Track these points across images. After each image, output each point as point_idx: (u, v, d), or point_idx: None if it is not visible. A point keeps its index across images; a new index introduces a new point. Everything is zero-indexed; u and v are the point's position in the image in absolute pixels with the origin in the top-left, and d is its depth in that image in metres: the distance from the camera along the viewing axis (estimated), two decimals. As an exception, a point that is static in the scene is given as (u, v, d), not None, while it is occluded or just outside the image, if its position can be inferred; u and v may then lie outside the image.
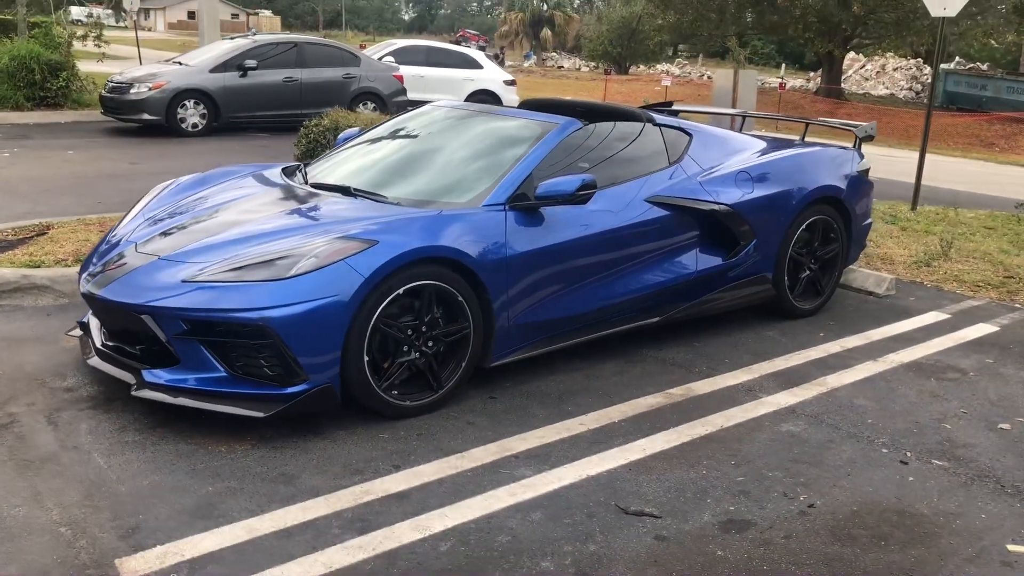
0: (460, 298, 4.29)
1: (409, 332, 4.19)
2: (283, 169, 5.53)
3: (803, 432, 4.33)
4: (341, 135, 6.01)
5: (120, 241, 4.61)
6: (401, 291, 4.09)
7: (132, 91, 13.74)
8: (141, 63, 17.85)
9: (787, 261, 5.82)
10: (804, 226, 5.87)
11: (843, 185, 6.09)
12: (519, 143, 4.95)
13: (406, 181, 4.94)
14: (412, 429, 4.15)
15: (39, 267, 5.87)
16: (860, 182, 6.30)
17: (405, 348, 4.20)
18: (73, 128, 14.48)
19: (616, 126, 5.39)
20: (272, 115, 14.76)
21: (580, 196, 4.54)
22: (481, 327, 4.40)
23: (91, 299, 4.24)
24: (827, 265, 6.17)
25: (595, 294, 4.90)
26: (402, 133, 5.60)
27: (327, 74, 15.38)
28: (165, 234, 4.52)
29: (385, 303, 4.05)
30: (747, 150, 5.95)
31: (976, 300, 6.73)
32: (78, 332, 4.78)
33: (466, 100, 18.04)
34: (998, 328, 6.09)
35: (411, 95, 16.18)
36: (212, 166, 5.96)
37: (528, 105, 5.92)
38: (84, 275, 4.42)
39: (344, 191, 4.86)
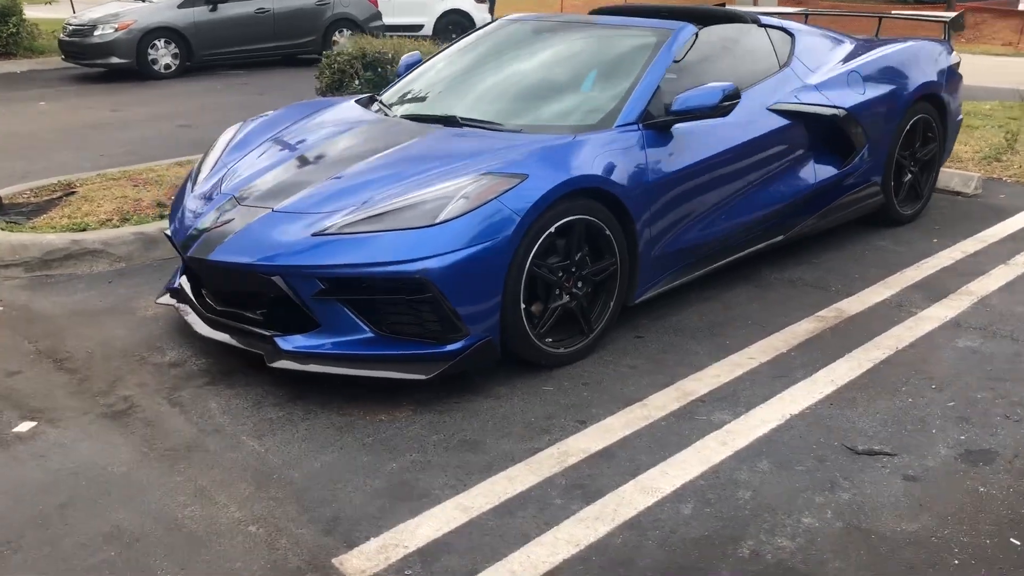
0: (608, 232, 3.87)
1: (560, 274, 3.78)
2: (357, 102, 5.00)
3: (984, 347, 4.04)
4: (403, 61, 5.45)
5: (213, 196, 4.08)
6: (553, 229, 3.67)
7: (96, 33, 12.77)
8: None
9: (893, 164, 5.48)
10: (909, 126, 5.52)
11: (943, 80, 5.74)
12: (635, 54, 4.49)
13: (515, 106, 4.46)
14: (574, 379, 3.77)
15: (85, 230, 5.29)
16: (954, 76, 5.95)
17: (557, 292, 3.79)
18: (33, 77, 13.47)
19: (724, 29, 4.94)
20: (247, 50, 13.92)
21: (723, 108, 4.11)
22: (627, 262, 4.00)
23: (200, 263, 3.73)
24: (926, 166, 5.85)
25: (727, 216, 4.52)
26: (484, 53, 5.08)
27: (299, 2, 14.48)
28: (265, 183, 4.00)
29: (539, 243, 3.63)
30: (844, 48, 5.54)
31: (1067, 193, 6.50)
32: (167, 299, 4.27)
33: (437, 21, 17.28)
34: None
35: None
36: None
37: (602, 12, 5.43)
38: (181, 237, 3.90)
39: (448, 121, 4.37)
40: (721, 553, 2.69)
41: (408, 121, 4.48)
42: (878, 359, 3.92)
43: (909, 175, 5.70)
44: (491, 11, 18.34)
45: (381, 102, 4.89)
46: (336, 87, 7.58)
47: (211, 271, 3.75)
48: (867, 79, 5.26)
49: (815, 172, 5.01)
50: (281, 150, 4.34)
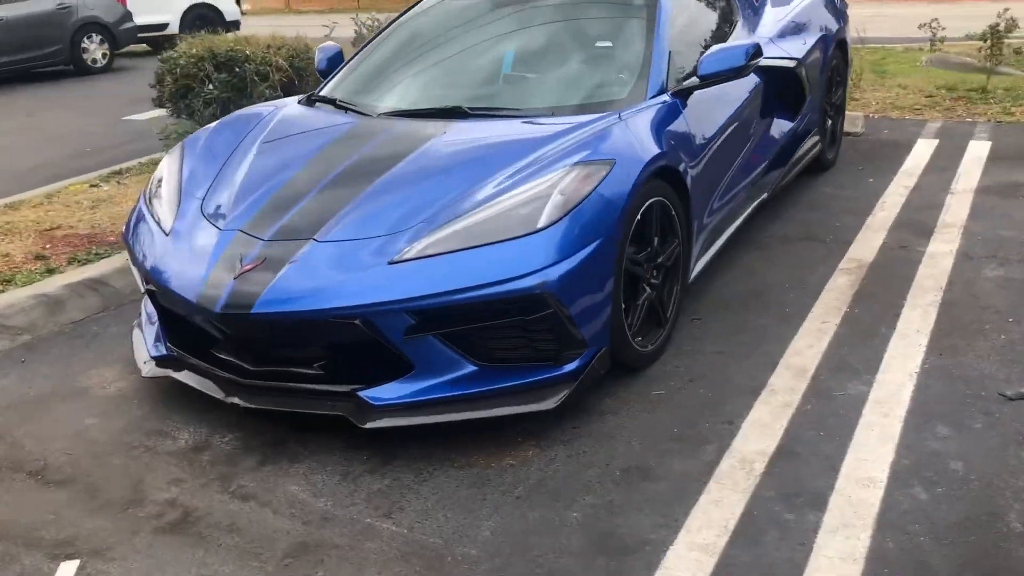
0: (674, 211, 3.55)
1: (644, 264, 3.42)
2: (302, 103, 4.29)
3: (1012, 273, 4.16)
4: (322, 54, 4.74)
5: (204, 235, 3.30)
6: (639, 216, 3.30)
7: None
8: None
9: (821, 110, 5.57)
10: (830, 72, 5.62)
11: (844, 24, 5.90)
12: (627, 19, 4.16)
13: (521, 88, 3.99)
14: (675, 376, 3.43)
15: (-38, 301, 4.19)
16: (846, 21, 6.14)
17: (641, 284, 3.43)
18: None
19: (688, -13, 4.73)
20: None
21: (748, 68, 3.90)
22: (685, 240, 3.71)
23: (238, 320, 2.98)
24: (838, 110, 6.00)
25: (737, 180, 4.33)
26: (443, 33, 4.52)
27: (36, 6, 12.64)
28: (277, 212, 3.29)
29: (631, 233, 3.25)
30: (767, -2, 5.51)
31: (933, 121, 6.96)
32: (156, 370, 3.42)
33: (183, 17, 15.75)
34: (991, 142, 6.31)
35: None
36: None
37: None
38: (189, 294, 3.10)
39: (452, 113, 3.82)
40: (996, 533, 2.50)
41: (404, 120, 3.87)
42: (936, 301, 3.91)
43: (829, 120, 5.82)
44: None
45: (342, 102, 4.20)
46: (182, 95, 6.58)
47: (254, 327, 3.02)
48: (801, 28, 5.28)
49: (780, 126, 4.95)
50: (267, 171, 3.60)
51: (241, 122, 4.07)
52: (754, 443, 2.98)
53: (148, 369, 3.43)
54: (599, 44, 4.13)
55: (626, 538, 2.57)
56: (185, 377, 3.32)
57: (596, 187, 3.09)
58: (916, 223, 4.85)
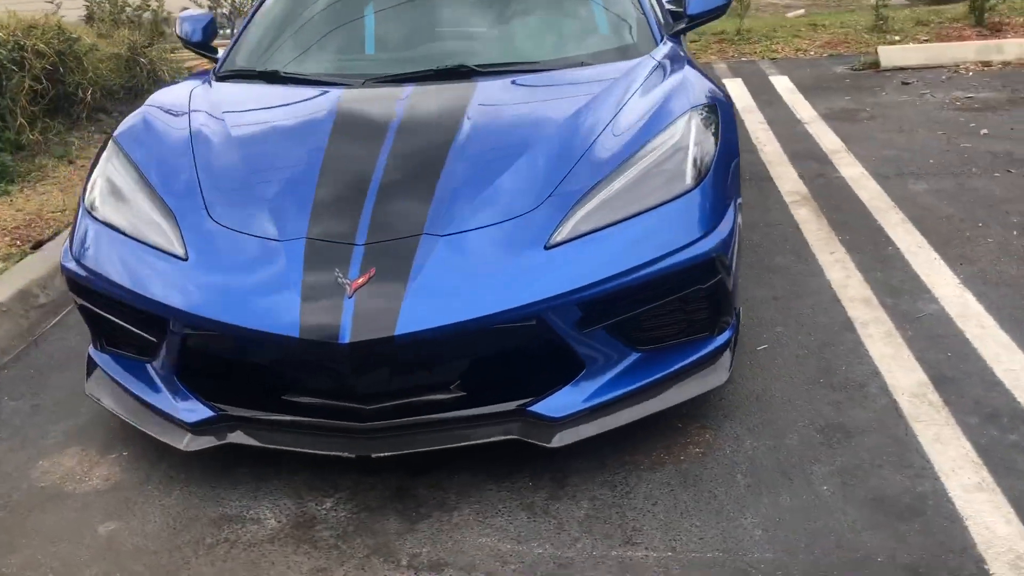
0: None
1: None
2: (226, 79, 3.46)
3: (936, 186, 4.52)
4: (191, 24, 3.84)
5: (264, 250, 2.51)
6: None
7: None
8: None
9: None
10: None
11: None
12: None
13: (517, 41, 3.52)
14: (755, 329, 3.28)
15: None
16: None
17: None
18: None
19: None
20: None
21: (727, 7, 3.78)
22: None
23: (377, 347, 2.28)
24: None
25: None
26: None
27: None
28: (343, 207, 2.59)
29: None
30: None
31: (718, 62, 7.37)
32: (207, 440, 2.55)
33: None
34: (786, 75, 6.82)
35: None
36: None
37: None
38: (293, 328, 2.31)
39: (453, 73, 3.26)
40: None
41: (407, 86, 3.20)
42: (904, 219, 4.13)
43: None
44: None
45: (291, 74, 3.42)
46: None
47: (393, 353, 2.34)
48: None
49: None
50: (276, 163, 2.84)
51: (169, 110, 3.17)
52: (904, 377, 2.91)
53: (189, 443, 2.55)
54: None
55: (904, 497, 2.37)
56: (246, 439, 2.53)
57: (717, 133, 2.81)
58: (805, 153, 5.10)
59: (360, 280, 2.36)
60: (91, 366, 2.90)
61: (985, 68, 6.79)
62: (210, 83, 3.42)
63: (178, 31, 3.91)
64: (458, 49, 3.46)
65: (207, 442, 2.53)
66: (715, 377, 2.66)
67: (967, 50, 6.96)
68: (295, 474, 2.62)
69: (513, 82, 3.19)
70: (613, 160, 2.66)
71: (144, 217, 2.69)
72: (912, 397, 2.80)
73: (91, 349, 2.90)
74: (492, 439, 2.45)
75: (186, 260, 2.54)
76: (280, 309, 2.35)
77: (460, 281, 2.38)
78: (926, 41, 7.49)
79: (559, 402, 2.47)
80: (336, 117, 3.01)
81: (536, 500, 2.46)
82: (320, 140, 2.89)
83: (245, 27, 3.74)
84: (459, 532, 2.37)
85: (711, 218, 2.61)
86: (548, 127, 2.88)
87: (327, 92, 3.22)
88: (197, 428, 2.55)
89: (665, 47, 3.44)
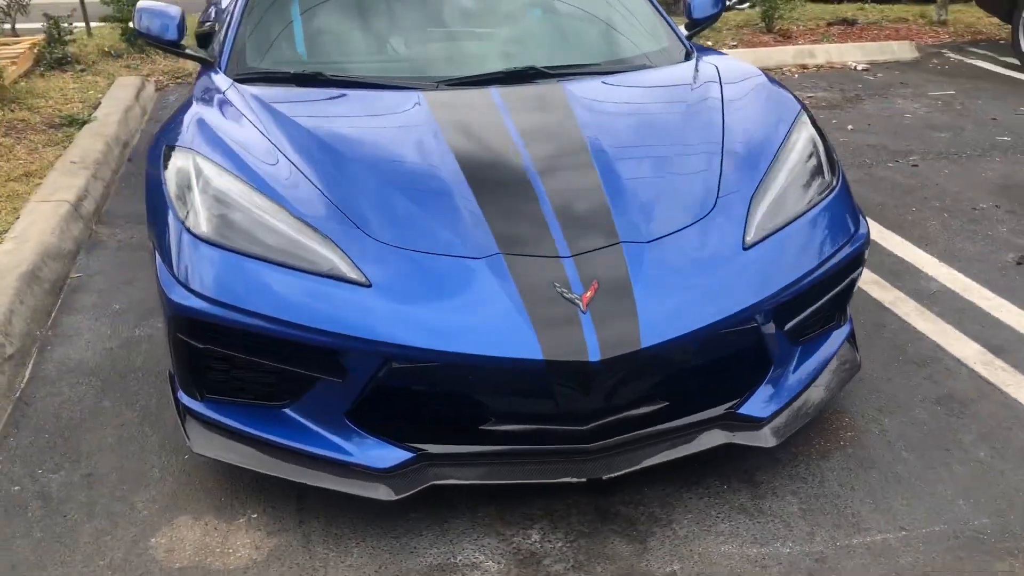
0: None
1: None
2: (250, 81, 3.07)
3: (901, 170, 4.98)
4: (165, 23, 3.34)
5: (460, 269, 2.27)
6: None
7: None
8: None
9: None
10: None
11: None
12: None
13: (567, 44, 3.44)
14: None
15: None
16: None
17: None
18: None
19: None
20: None
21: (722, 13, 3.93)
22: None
23: (626, 361, 2.17)
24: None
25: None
26: None
27: None
28: (522, 219, 2.42)
29: None
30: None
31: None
32: (396, 489, 2.26)
33: None
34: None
35: None
36: None
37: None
38: (531, 350, 2.12)
39: (520, 76, 3.12)
40: None
41: (492, 88, 3.02)
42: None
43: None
44: None
45: (339, 76, 3.11)
46: None
47: (639, 365, 2.23)
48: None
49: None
50: (416, 177, 2.61)
51: (228, 119, 2.78)
52: (964, 348, 3.22)
53: (392, 492, 2.26)
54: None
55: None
56: (452, 478, 2.30)
57: (811, 125, 2.96)
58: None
59: (588, 294, 2.23)
60: (187, 420, 2.48)
61: (804, 71, 7.56)
62: (235, 88, 3.02)
63: (140, 26, 3.39)
64: (496, 50, 3.33)
65: (410, 486, 2.26)
66: (853, 365, 2.79)
67: (786, 55, 7.71)
68: (475, 510, 2.42)
69: (603, 83, 3.13)
70: (758, 160, 2.71)
71: (288, 240, 2.34)
72: (984, 365, 3.11)
73: (187, 401, 2.48)
74: (711, 445, 2.41)
75: (369, 286, 2.25)
76: (510, 332, 2.16)
77: (682, 288, 2.32)
78: (735, 47, 8.19)
79: (760, 401, 2.49)
80: (438, 123, 2.78)
81: (743, 501, 2.46)
82: (440, 148, 2.67)
83: (239, 23, 3.33)
84: (695, 544, 2.32)
85: (855, 209, 2.76)
86: (669, 128, 2.88)
87: (407, 95, 2.96)
88: (393, 473, 2.27)
89: (701, 50, 3.53)
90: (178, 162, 2.58)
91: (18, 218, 4.00)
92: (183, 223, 2.41)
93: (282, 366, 2.29)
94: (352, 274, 2.26)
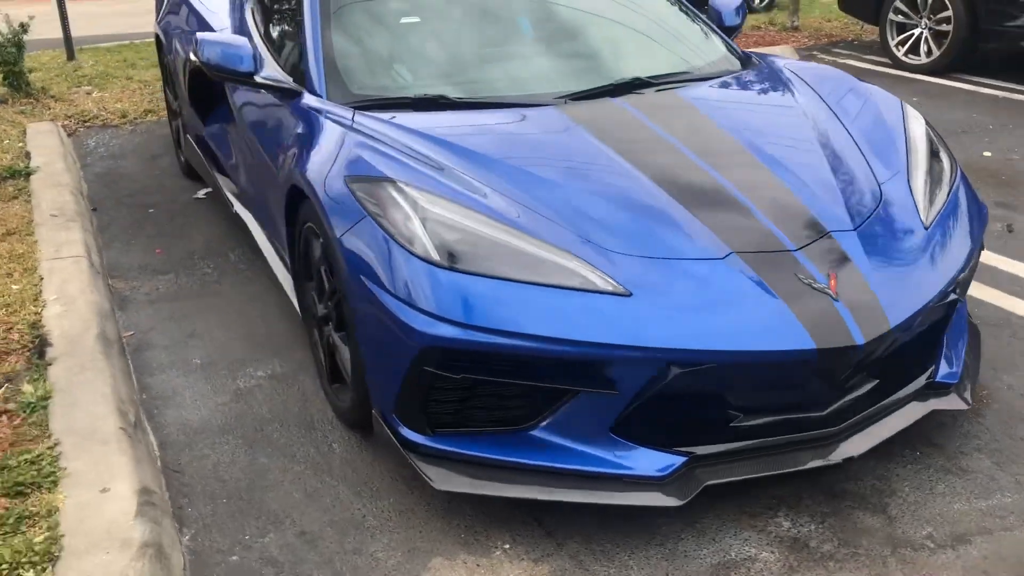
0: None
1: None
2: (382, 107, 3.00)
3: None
4: (238, 53, 3.15)
5: (698, 271, 2.35)
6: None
7: None
8: None
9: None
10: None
11: None
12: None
13: (651, 54, 3.55)
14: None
15: None
16: None
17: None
18: None
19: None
20: None
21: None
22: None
23: (881, 340, 2.31)
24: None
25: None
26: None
27: None
28: (734, 214, 2.55)
29: None
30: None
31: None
32: (676, 494, 2.30)
33: None
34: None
35: None
36: None
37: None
38: (800, 341, 2.23)
39: (632, 86, 3.22)
40: None
41: (615, 99, 3.13)
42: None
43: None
44: None
45: (465, 99, 3.12)
46: None
47: (890, 344, 2.38)
48: None
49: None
50: (606, 187, 2.67)
51: (395, 147, 2.71)
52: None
53: (671, 499, 2.28)
54: (630, 7, 3.81)
55: None
56: (720, 477, 2.36)
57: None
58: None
59: (832, 283, 2.36)
60: (421, 458, 2.40)
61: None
62: (366, 116, 2.93)
63: (207, 59, 3.21)
64: (595, 64, 3.39)
65: (689, 490, 2.30)
66: (975, 329, 3.06)
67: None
68: (712, 508, 2.47)
69: (711, 88, 3.26)
70: (891, 150, 2.95)
71: (530, 258, 2.32)
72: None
73: (417, 438, 2.40)
74: (922, 414, 2.60)
75: (630, 295, 2.27)
76: (780, 326, 2.26)
77: (900, 268, 2.51)
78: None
79: (947, 368, 2.70)
80: (598, 137, 2.83)
81: (943, 463, 2.66)
82: (617, 160, 2.73)
83: (317, 44, 3.22)
84: (929, 507, 2.49)
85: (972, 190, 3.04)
86: (796, 126, 3.06)
87: (547, 112, 2.99)
88: (667, 480, 2.30)
89: (756, 55, 3.74)
90: (379, 192, 2.48)
91: (42, 278, 3.63)
92: (412, 253, 2.32)
93: (545, 384, 2.27)
94: (607, 285, 2.28)
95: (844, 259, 2.45)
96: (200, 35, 3.27)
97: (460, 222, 2.39)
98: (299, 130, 3.02)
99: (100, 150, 5.92)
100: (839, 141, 2.96)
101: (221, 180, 4.30)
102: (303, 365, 3.27)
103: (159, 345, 3.46)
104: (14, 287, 3.56)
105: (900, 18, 7.80)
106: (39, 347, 3.12)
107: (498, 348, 2.22)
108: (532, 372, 2.26)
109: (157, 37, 5.30)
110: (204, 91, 4.37)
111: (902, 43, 7.85)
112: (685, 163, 2.74)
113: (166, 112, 5.73)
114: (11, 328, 3.25)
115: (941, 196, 2.81)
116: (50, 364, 3.01)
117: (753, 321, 2.27)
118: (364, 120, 2.88)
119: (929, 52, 7.59)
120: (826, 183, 2.73)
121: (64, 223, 4.26)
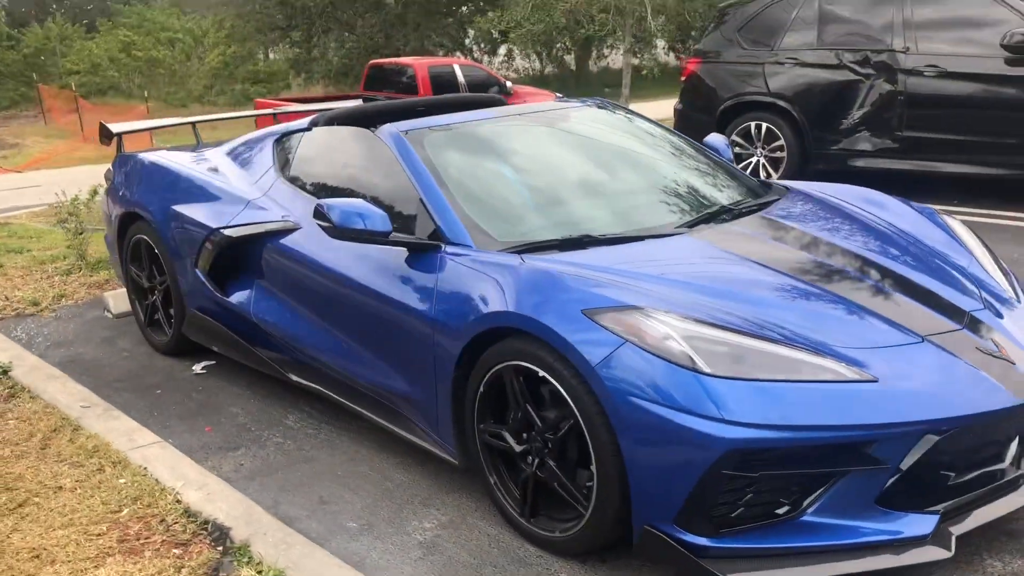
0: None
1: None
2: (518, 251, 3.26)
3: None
4: (378, 214, 3.30)
5: (919, 352, 2.79)
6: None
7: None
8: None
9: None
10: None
11: None
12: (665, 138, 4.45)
13: (709, 188, 4.03)
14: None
15: None
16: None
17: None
18: None
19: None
20: None
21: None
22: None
23: None
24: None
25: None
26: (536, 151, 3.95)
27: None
28: (902, 305, 3.06)
29: None
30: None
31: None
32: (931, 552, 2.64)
33: None
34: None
35: None
36: None
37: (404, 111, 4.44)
38: (1002, 402, 2.70)
39: (722, 213, 3.72)
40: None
41: (720, 224, 3.60)
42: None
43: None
44: None
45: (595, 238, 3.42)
46: None
47: None
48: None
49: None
50: (772, 295, 3.04)
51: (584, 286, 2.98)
52: None
53: (943, 552, 2.63)
54: (666, 150, 4.31)
55: None
56: (964, 527, 2.74)
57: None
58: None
59: (1005, 350, 2.88)
60: (713, 561, 2.59)
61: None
62: (534, 258, 3.16)
63: (342, 224, 3.32)
64: (680, 199, 3.83)
65: (948, 540, 2.65)
66: None
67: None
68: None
69: (783, 211, 3.76)
70: (954, 246, 3.58)
71: (785, 360, 2.65)
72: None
73: (705, 542, 2.60)
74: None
75: (876, 381, 2.65)
76: (990, 389, 2.73)
77: (1027, 333, 3.06)
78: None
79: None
80: (737, 254, 3.25)
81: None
82: (770, 271, 3.13)
83: (438, 198, 3.47)
84: None
85: None
86: (872, 230, 3.62)
87: (682, 240, 3.38)
88: (929, 536, 2.64)
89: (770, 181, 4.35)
90: (627, 320, 2.71)
91: (145, 467, 3.42)
92: (687, 367, 2.56)
93: (826, 469, 2.56)
94: (855, 375, 2.66)
95: (991, 331, 2.98)
96: (327, 201, 3.35)
97: (715, 335, 2.68)
98: (464, 282, 3.15)
99: (39, 340, 5.50)
100: (909, 240, 3.56)
101: (260, 351, 4.23)
102: (462, 509, 3.31)
103: (300, 516, 3.35)
104: (119, 481, 3.33)
105: (737, 149, 8.97)
106: (213, 531, 2.97)
107: (789, 442, 2.50)
108: (815, 460, 2.55)
109: (125, 216, 5.10)
110: (226, 260, 4.35)
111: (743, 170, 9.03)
112: (828, 270, 3.21)
113: (125, 293, 5.46)
114: (163, 519, 3.05)
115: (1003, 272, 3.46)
116: (248, 545, 2.87)
117: (970, 387, 2.72)
118: (541, 263, 3.10)
119: (768, 176, 8.76)
120: (936, 273, 3.28)
121: (104, 412, 4.00)
